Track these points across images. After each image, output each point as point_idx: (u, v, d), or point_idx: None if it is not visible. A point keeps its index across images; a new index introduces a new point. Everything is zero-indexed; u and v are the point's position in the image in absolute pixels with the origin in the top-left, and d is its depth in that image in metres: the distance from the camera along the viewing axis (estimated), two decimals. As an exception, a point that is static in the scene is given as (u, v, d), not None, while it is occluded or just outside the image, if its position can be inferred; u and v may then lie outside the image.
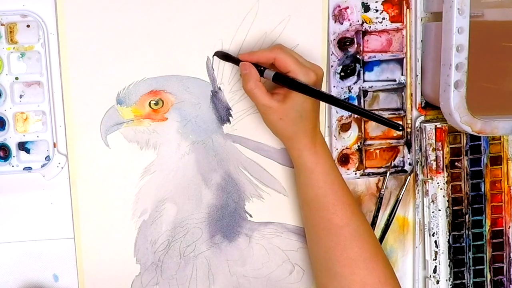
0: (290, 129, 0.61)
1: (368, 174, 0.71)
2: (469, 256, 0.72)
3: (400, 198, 0.71)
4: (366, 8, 0.68)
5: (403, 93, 0.70)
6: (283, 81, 0.59)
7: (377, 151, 0.71)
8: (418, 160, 0.71)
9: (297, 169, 0.64)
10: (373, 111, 0.58)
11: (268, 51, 0.61)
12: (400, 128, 0.55)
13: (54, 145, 0.65)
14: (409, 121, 0.70)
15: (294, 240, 0.71)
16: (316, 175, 0.62)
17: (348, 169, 0.70)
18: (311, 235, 0.64)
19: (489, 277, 0.73)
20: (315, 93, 0.59)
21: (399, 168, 0.71)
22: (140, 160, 0.67)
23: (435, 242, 0.71)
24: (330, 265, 0.62)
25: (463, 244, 0.71)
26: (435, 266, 0.71)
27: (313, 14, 0.66)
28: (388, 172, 0.71)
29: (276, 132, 0.63)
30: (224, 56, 0.65)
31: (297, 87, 0.59)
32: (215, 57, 0.66)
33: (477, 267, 0.72)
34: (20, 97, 0.65)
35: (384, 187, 0.71)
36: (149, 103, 0.65)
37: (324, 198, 0.62)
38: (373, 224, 0.71)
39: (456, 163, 0.71)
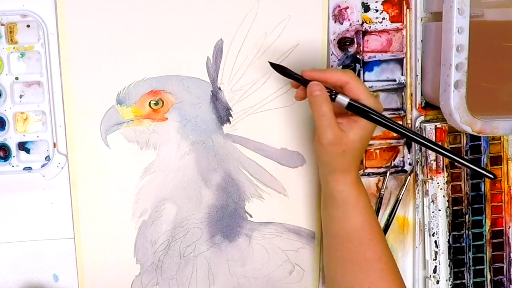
0: (348, 162, 0.58)
1: (368, 174, 0.71)
2: (469, 256, 0.72)
3: (400, 198, 0.71)
4: (366, 8, 0.68)
5: (403, 93, 0.70)
6: (361, 112, 0.57)
7: (377, 151, 0.71)
8: (418, 160, 0.71)
9: (334, 202, 0.61)
10: (462, 157, 0.58)
11: (341, 72, 0.57)
12: (492, 176, 0.57)
13: (54, 145, 0.65)
14: (409, 121, 0.70)
15: (294, 240, 0.70)
16: (358, 210, 0.60)
17: (348, 169, 0.70)
18: (337, 267, 0.63)
19: (489, 277, 0.73)
20: (399, 130, 0.57)
21: (399, 168, 0.71)
22: (140, 160, 0.67)
23: (435, 242, 0.71)
24: None
25: (463, 244, 0.71)
26: (435, 266, 0.71)
27: (313, 14, 0.66)
28: (388, 172, 0.70)
29: (330, 165, 0.59)
30: (279, 68, 0.61)
31: (377, 120, 0.57)
32: (215, 57, 0.65)
33: (477, 267, 0.72)
34: (20, 97, 0.65)
35: (384, 187, 0.71)
36: (149, 103, 0.65)
37: (362, 233, 0.60)
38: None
39: (456, 163, 0.71)
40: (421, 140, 0.59)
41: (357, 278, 0.60)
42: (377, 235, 0.61)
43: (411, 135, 0.59)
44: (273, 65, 0.61)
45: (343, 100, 0.57)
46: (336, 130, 0.56)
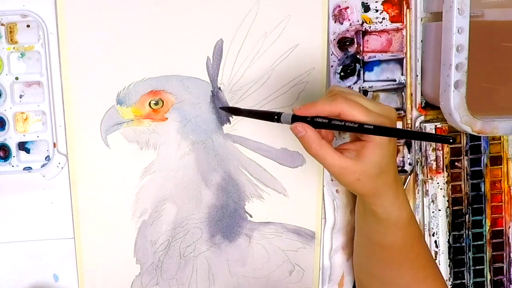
0: (371, 187, 0.54)
1: (368, 174, 0.71)
2: (469, 256, 0.72)
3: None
4: (366, 8, 0.68)
5: (403, 93, 0.70)
6: (330, 126, 0.52)
7: (377, 151, 0.70)
8: (418, 160, 0.71)
9: (375, 219, 0.58)
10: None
11: (329, 104, 0.52)
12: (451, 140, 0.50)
13: (54, 145, 0.65)
14: (409, 121, 0.70)
15: (294, 240, 0.70)
16: (399, 227, 0.58)
17: (348, 169, 0.70)
18: (375, 268, 0.63)
19: (489, 277, 0.73)
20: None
21: (399, 168, 0.71)
22: (140, 160, 0.66)
23: (435, 242, 0.71)
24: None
25: (463, 244, 0.71)
26: (435, 266, 0.71)
27: (313, 14, 0.66)
28: None
29: (354, 192, 0.58)
30: (233, 111, 0.61)
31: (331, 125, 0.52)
32: (215, 57, 0.65)
33: (477, 267, 0.72)
34: (20, 97, 0.65)
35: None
36: (149, 103, 0.65)
37: (403, 246, 0.60)
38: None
39: (456, 163, 0.71)
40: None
41: (397, 279, 0.61)
42: (417, 244, 0.61)
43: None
44: (225, 110, 0.62)
45: (286, 118, 0.55)
46: (338, 162, 0.52)
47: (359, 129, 0.51)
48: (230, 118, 0.67)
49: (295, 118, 0.54)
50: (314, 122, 0.53)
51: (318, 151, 0.52)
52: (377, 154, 0.52)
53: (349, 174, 0.53)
